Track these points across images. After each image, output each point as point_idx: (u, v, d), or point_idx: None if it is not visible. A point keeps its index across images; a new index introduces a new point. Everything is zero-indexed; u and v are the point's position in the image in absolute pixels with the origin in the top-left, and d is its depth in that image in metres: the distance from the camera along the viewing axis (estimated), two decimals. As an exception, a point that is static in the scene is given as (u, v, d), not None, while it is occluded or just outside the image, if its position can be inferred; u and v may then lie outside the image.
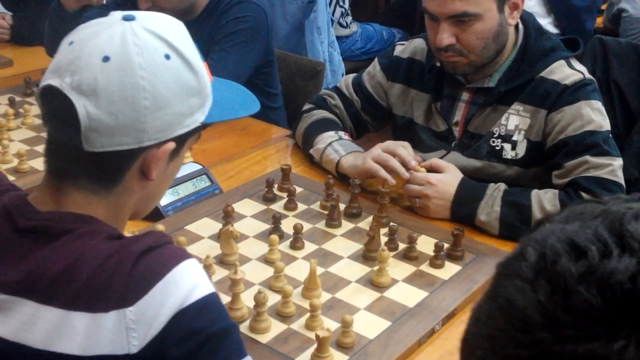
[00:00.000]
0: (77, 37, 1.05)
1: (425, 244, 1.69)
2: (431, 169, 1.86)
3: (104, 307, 0.97)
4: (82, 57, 1.01)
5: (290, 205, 1.85)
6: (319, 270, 1.57)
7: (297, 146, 2.19)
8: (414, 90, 2.06)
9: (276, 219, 1.71)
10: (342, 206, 1.82)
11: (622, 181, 1.81)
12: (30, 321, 0.99)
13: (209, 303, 1.01)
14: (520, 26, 1.94)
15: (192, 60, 1.07)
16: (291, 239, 1.69)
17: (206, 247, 1.67)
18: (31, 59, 2.80)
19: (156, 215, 1.72)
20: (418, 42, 2.09)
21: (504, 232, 1.76)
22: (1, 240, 1.04)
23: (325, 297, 1.51)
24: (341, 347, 1.37)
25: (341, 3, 4.02)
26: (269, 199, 1.88)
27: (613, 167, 1.79)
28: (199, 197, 1.86)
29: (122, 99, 1.00)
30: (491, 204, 1.78)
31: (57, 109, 1.03)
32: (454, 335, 1.43)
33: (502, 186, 1.81)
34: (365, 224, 1.78)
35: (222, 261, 1.61)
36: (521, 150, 1.90)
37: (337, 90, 2.20)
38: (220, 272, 1.57)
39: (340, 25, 4.04)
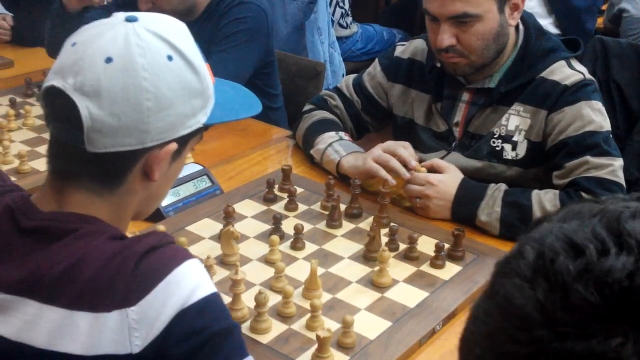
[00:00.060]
0: (81, 38, 1.05)
1: (426, 245, 1.69)
2: (432, 170, 1.86)
3: (106, 307, 0.97)
4: (86, 59, 1.02)
5: (291, 206, 1.85)
6: (320, 271, 1.57)
7: (298, 147, 2.19)
8: (415, 91, 2.07)
9: (277, 220, 1.71)
10: (342, 207, 1.82)
11: (622, 182, 1.81)
12: (33, 321, 0.99)
13: (211, 303, 1.02)
14: (521, 27, 1.94)
15: (194, 62, 1.08)
16: (292, 239, 1.69)
17: (207, 247, 1.67)
18: (32, 60, 2.81)
19: (157, 216, 1.72)
20: (419, 43, 2.10)
21: (504, 233, 1.76)
22: (4, 241, 1.04)
23: (326, 297, 1.51)
24: (342, 347, 1.37)
25: (341, 4, 4.02)
26: (269, 199, 1.88)
27: (614, 168, 1.80)
28: (200, 198, 1.87)
29: (125, 100, 1.01)
30: (492, 205, 1.78)
31: (60, 110, 1.03)
32: (454, 335, 1.42)
33: (503, 187, 1.81)
34: (366, 224, 1.79)
35: (223, 262, 1.62)
36: (522, 151, 1.90)
37: (337, 91, 2.21)
38: (221, 273, 1.58)
39: (341, 26, 4.05)
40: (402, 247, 1.69)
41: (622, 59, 2.84)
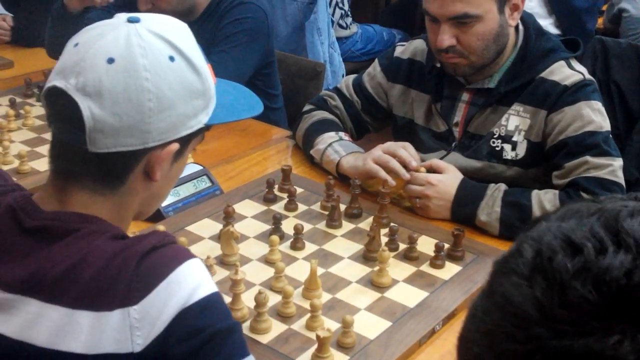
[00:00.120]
0: (82, 38, 1.06)
1: (426, 245, 1.69)
2: (431, 170, 1.86)
3: (108, 306, 0.98)
4: (87, 59, 1.02)
5: (290, 206, 1.85)
6: (320, 271, 1.57)
7: (298, 147, 2.19)
8: (414, 91, 2.07)
9: (277, 220, 1.72)
10: (342, 207, 1.82)
11: (622, 181, 1.81)
12: (35, 320, 1.00)
13: (212, 302, 1.02)
14: (521, 27, 1.94)
15: (196, 62, 1.08)
16: (292, 239, 1.69)
17: (207, 247, 1.67)
18: (32, 60, 2.81)
19: (157, 216, 1.72)
20: (418, 43, 2.10)
21: (504, 233, 1.76)
22: (6, 240, 1.05)
23: (325, 297, 1.51)
24: (342, 347, 1.38)
25: (340, 5, 4.02)
26: (269, 199, 1.88)
27: (613, 168, 1.80)
28: (199, 198, 1.87)
29: (126, 100, 1.01)
30: (491, 205, 1.78)
31: (62, 110, 1.04)
32: (454, 335, 1.42)
33: (503, 186, 1.81)
34: (365, 224, 1.79)
35: (222, 262, 1.62)
36: (521, 150, 1.90)
37: (337, 91, 2.21)
38: (221, 273, 1.58)
39: (340, 26, 4.05)
40: (402, 246, 1.69)
41: (622, 59, 2.84)
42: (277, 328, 1.42)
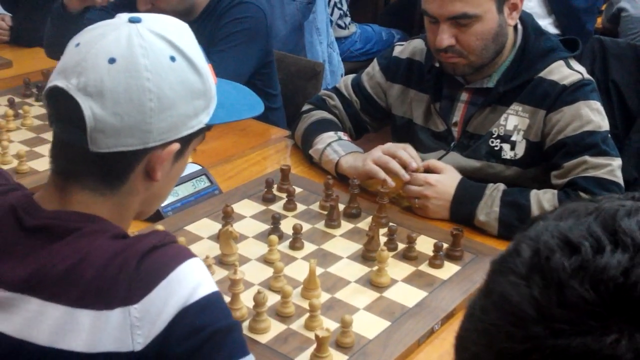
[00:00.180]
0: (84, 38, 1.06)
1: (425, 244, 1.70)
2: (429, 170, 1.86)
3: (109, 305, 0.98)
4: (89, 59, 1.02)
5: (289, 206, 1.85)
6: (319, 271, 1.57)
7: (297, 147, 2.19)
8: (413, 91, 2.07)
9: (275, 220, 1.72)
10: (341, 206, 1.82)
11: (621, 181, 1.81)
12: (36, 318, 1.00)
13: (212, 301, 1.02)
14: (519, 27, 1.95)
15: (197, 62, 1.09)
16: (290, 239, 1.69)
17: (206, 247, 1.67)
18: (30, 60, 2.81)
19: (156, 215, 1.72)
20: (417, 43, 2.10)
21: (503, 232, 1.77)
22: (7, 239, 1.05)
23: (324, 297, 1.51)
24: (340, 347, 1.38)
25: (339, 5, 4.03)
26: (268, 199, 1.88)
27: (612, 167, 1.80)
28: (198, 198, 1.87)
29: (127, 100, 1.02)
30: (490, 204, 1.78)
31: (63, 110, 1.04)
32: (453, 335, 1.42)
33: (501, 186, 1.82)
34: (364, 224, 1.79)
35: (221, 261, 1.62)
36: (520, 150, 1.90)
37: (336, 90, 2.21)
38: (220, 273, 1.58)
39: (339, 26, 4.05)
40: (401, 246, 1.69)
41: (621, 59, 2.84)
42: (276, 328, 1.43)
